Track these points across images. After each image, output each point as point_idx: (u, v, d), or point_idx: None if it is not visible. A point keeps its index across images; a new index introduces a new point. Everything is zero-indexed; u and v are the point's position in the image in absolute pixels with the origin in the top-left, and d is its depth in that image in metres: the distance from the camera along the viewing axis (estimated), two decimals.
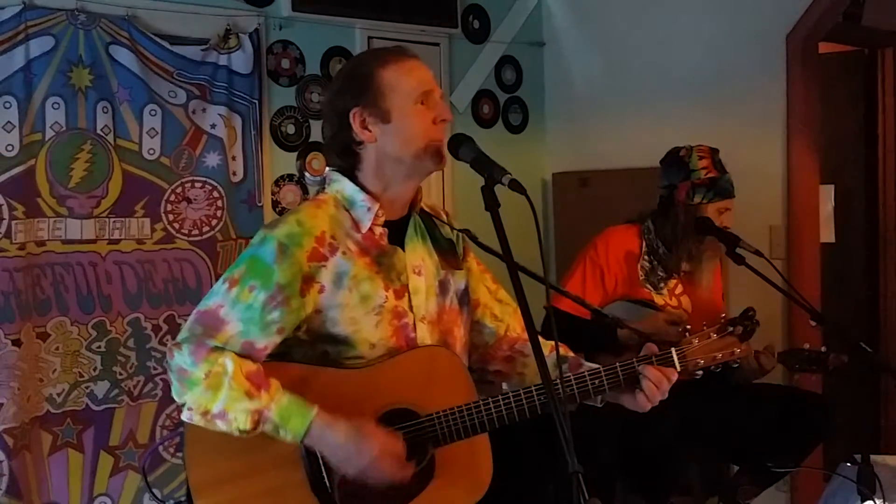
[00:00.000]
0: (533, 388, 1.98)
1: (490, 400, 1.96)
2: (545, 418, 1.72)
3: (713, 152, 3.28)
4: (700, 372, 2.01)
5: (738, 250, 3.13)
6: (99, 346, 3.45)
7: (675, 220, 3.25)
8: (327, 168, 2.08)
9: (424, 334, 2.02)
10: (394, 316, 1.98)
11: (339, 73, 2.16)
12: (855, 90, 5.03)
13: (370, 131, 1.97)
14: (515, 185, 1.85)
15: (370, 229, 1.99)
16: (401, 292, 2.00)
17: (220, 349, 1.88)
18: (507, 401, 1.97)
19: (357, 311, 1.94)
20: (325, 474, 1.90)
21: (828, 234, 4.68)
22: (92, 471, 3.45)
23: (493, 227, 1.86)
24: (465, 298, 2.14)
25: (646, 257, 3.28)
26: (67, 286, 3.38)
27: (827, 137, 4.52)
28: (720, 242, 3.21)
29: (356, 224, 1.98)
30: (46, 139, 3.34)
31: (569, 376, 2.00)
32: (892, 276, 4.96)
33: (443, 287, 2.08)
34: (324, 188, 2.07)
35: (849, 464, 2.42)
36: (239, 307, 1.89)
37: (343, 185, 2.01)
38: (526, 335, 2.18)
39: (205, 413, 1.87)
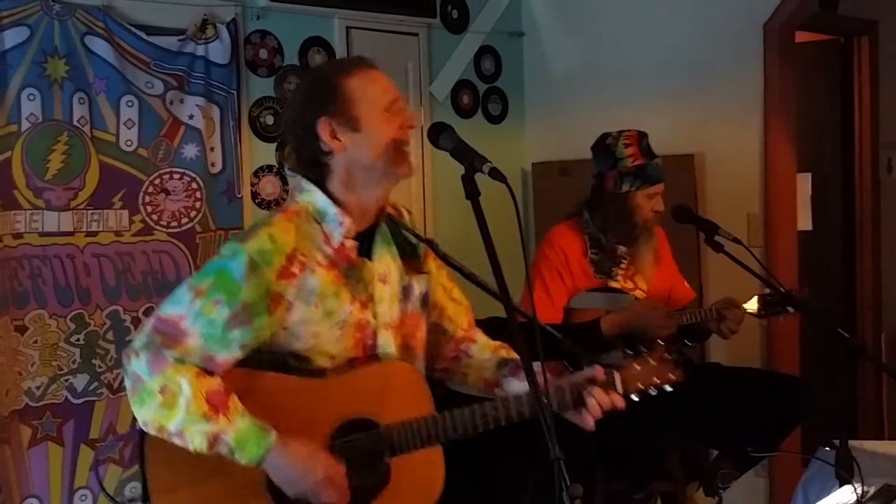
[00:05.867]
0: (487, 405, 2.03)
1: (446, 414, 2.01)
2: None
3: (640, 138, 3.27)
4: (637, 396, 2.09)
5: (717, 238, 3.15)
6: (78, 339, 3.43)
7: (607, 208, 3.27)
8: (298, 176, 2.07)
9: (387, 341, 2.05)
10: (356, 329, 2.01)
11: (300, 88, 2.17)
12: (831, 79, 5.06)
13: (340, 140, 1.97)
14: (496, 174, 1.86)
15: (341, 243, 2.00)
16: (366, 303, 2.03)
17: (179, 362, 1.86)
18: (462, 416, 2.02)
19: (321, 325, 1.96)
20: None
21: (805, 222, 4.72)
22: (72, 464, 3.43)
23: (474, 216, 1.86)
24: (426, 301, 2.18)
25: (592, 250, 3.30)
26: (45, 279, 3.36)
27: (803, 126, 4.55)
28: (700, 230, 3.24)
29: (327, 237, 1.99)
30: (22, 131, 3.31)
31: (521, 396, 2.04)
32: (868, 262, 5.01)
33: (406, 292, 2.11)
34: (293, 196, 2.06)
35: (827, 448, 2.44)
36: (201, 321, 1.88)
37: (315, 197, 2.00)
38: (471, 333, 2.27)
39: (160, 429, 1.87)
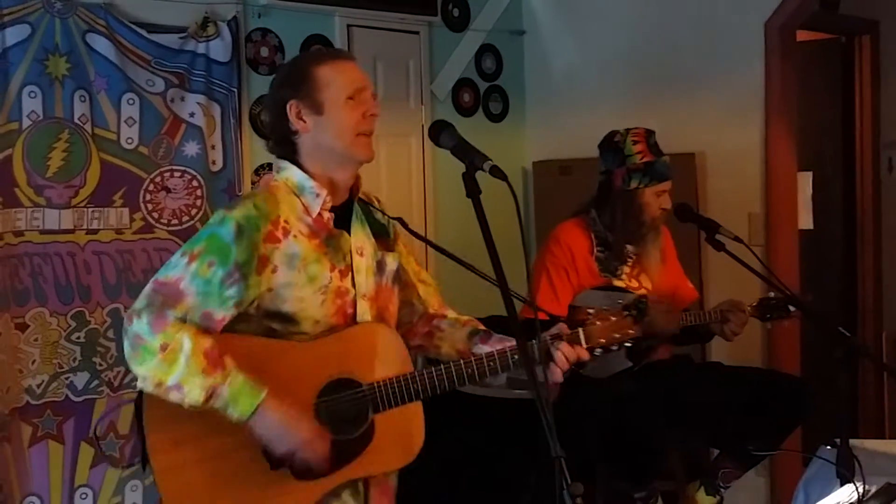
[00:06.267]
0: (462, 361, 2.16)
1: (424, 371, 2.15)
2: (529, 406, 1.74)
3: (648, 135, 3.28)
4: (599, 350, 2.19)
5: (718, 237, 3.15)
6: (78, 337, 3.43)
7: (615, 206, 3.27)
8: (276, 157, 2.22)
9: (364, 310, 2.18)
10: (337, 295, 2.13)
11: (280, 70, 2.41)
12: (832, 78, 5.06)
13: (304, 122, 2.12)
14: (496, 172, 1.88)
15: (319, 214, 2.13)
16: (345, 272, 2.15)
17: (179, 322, 1.99)
18: (438, 372, 2.14)
19: (305, 290, 2.08)
20: None
21: (806, 221, 4.72)
22: (73, 462, 3.43)
23: (474, 215, 1.86)
24: (398, 278, 2.30)
25: (598, 248, 3.30)
26: (46, 276, 3.36)
27: (804, 125, 4.54)
28: (701, 229, 3.24)
29: (306, 209, 2.13)
30: (23, 128, 3.31)
31: (492, 352, 2.17)
32: (869, 261, 5.01)
33: (380, 267, 2.24)
34: (272, 176, 2.21)
35: (828, 447, 2.44)
36: (198, 281, 2.00)
37: (292, 173, 2.15)
38: (442, 310, 2.40)
39: (159, 384, 1.97)
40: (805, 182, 4.73)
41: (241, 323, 2.08)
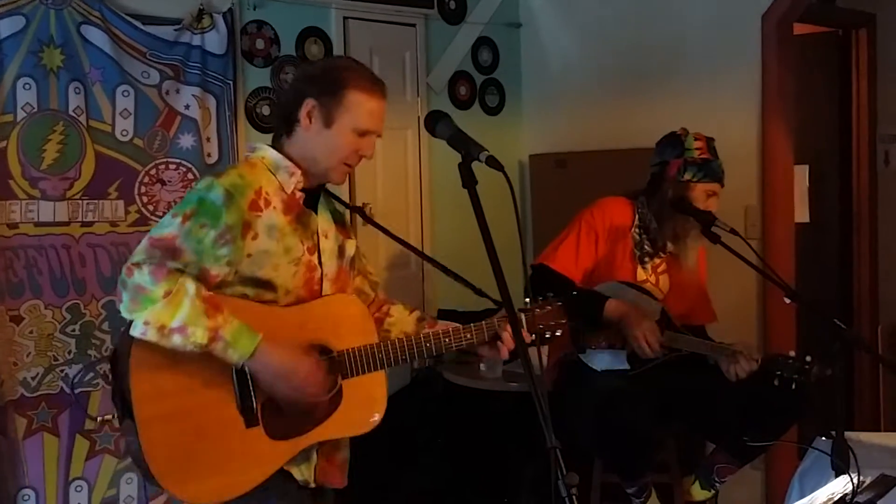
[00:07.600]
0: (422, 337, 2.32)
1: (388, 342, 2.31)
2: (526, 399, 1.75)
3: (709, 139, 3.33)
4: (533, 335, 2.36)
5: (714, 229, 3.15)
6: (73, 330, 3.43)
7: (664, 196, 3.28)
8: (250, 143, 2.35)
9: (327, 289, 2.30)
10: (307, 269, 2.25)
11: (325, 62, 2.55)
12: (829, 71, 5.06)
13: (310, 123, 2.24)
14: (493, 162, 1.88)
15: (292, 192, 2.25)
16: (312, 250, 2.27)
17: (179, 271, 2.07)
18: (401, 344, 2.30)
19: (280, 259, 2.19)
20: (252, 394, 2.16)
21: (802, 214, 4.71)
22: (67, 455, 3.43)
23: (471, 206, 1.86)
24: (353, 265, 2.44)
25: (636, 230, 3.31)
26: (41, 269, 3.35)
27: (801, 118, 4.54)
28: (697, 221, 3.23)
29: (281, 186, 2.23)
30: (18, 120, 3.30)
31: (449, 331, 2.35)
32: (865, 254, 5.01)
33: (340, 252, 2.37)
34: (247, 157, 2.32)
35: (824, 438, 2.43)
36: (192, 239, 2.08)
37: (267, 153, 2.27)
38: (389, 300, 2.55)
39: (161, 328, 2.04)
40: (801, 175, 4.73)
41: (218, 287, 2.15)
